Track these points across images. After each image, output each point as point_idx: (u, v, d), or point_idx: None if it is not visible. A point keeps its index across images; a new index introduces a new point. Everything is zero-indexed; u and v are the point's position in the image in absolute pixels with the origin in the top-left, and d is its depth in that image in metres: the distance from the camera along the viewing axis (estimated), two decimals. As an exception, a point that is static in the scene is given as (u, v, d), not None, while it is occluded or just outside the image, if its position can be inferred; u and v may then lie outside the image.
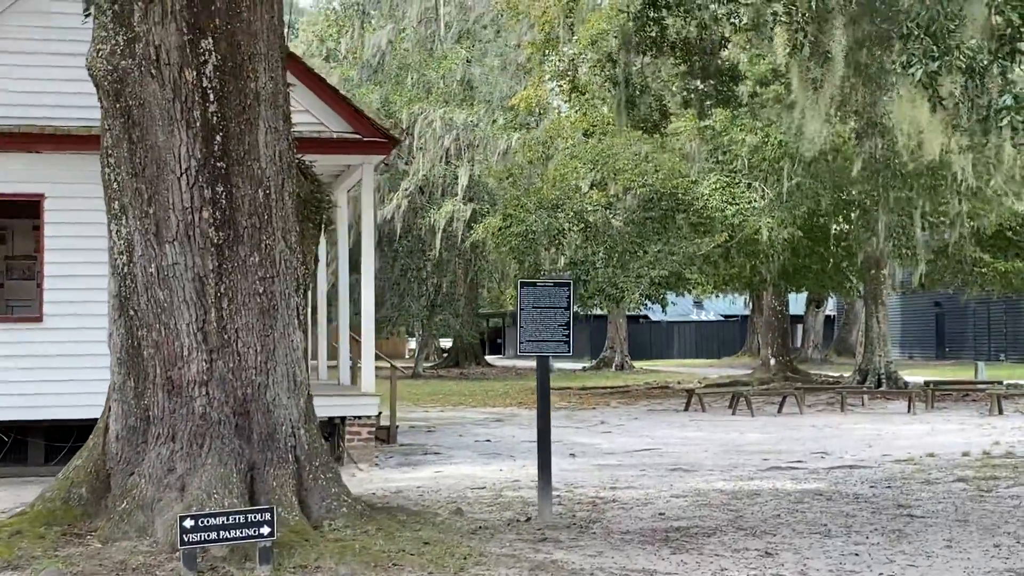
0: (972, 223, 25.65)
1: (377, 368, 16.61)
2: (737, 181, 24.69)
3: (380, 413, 18.91)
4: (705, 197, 24.51)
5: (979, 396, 26.68)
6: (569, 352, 9.89)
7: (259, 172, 8.79)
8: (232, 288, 8.67)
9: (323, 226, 9.75)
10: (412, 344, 63.42)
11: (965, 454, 16.29)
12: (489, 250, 28.97)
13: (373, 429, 15.37)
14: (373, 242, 15.49)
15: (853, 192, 25.45)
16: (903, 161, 21.27)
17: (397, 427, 18.98)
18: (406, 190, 36.27)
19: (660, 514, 10.86)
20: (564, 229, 23.78)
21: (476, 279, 44.50)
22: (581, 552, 8.96)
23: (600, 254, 23.83)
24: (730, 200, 24.28)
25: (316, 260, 9.23)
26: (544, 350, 9.88)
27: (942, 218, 26.31)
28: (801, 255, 28.71)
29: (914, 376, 33.43)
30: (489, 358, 66.70)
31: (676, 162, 23.88)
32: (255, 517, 7.76)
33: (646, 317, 65.77)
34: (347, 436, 15.14)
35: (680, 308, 68.28)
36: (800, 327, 58.18)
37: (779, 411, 24.44)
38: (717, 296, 39.26)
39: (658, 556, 8.88)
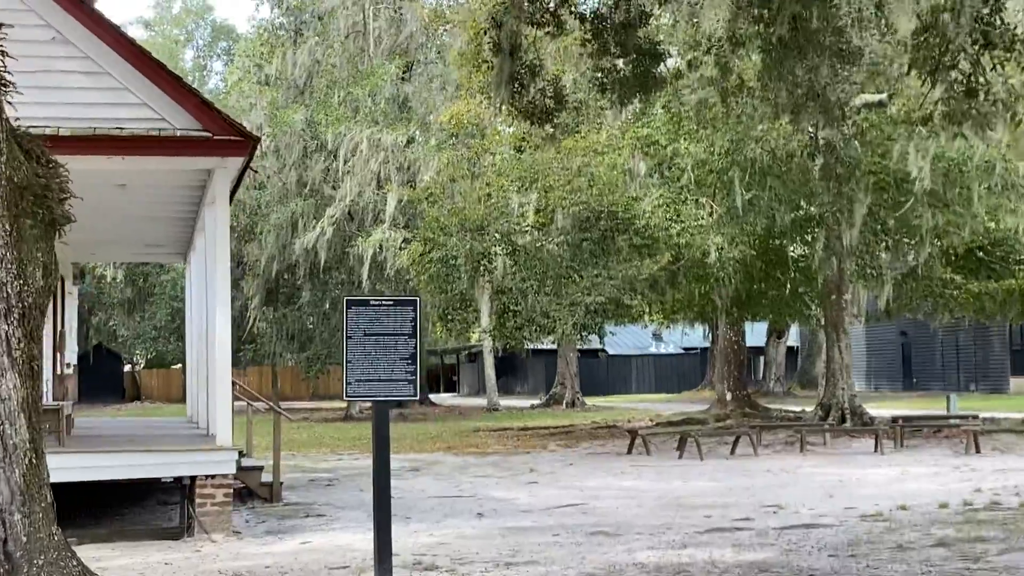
0: (942, 241, 23.29)
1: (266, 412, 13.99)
2: (683, 197, 22.20)
3: (262, 467, 16.25)
4: (647, 215, 22.01)
5: (952, 432, 24.20)
6: (414, 395, 7.28)
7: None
8: None
9: (56, 224, 7.09)
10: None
11: (943, 506, 13.76)
12: (412, 279, 26.37)
13: (231, 490, 12.63)
14: (227, 263, 12.80)
15: (812, 208, 23.01)
16: (868, 166, 18.87)
17: (282, 483, 16.22)
18: (332, 216, 33.58)
19: (550, 610, 8.20)
20: (490, 253, 21.17)
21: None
22: None
23: (531, 280, 21.23)
24: (675, 218, 21.77)
25: (51, 272, 6.55)
26: (380, 393, 7.24)
27: (907, 237, 23.92)
28: (756, 279, 26.22)
29: (881, 410, 30.94)
30: (440, 396, 63.98)
31: (614, 175, 21.36)
32: None
33: (603, 351, 63.26)
34: (198, 500, 12.40)
35: (638, 341, 65.80)
36: (762, 359, 55.79)
37: (732, 452, 21.86)
38: (665, 326, 36.70)
39: None
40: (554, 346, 47.09)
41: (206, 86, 58.50)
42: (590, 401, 45.78)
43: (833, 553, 10.52)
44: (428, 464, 21.28)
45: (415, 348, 7.28)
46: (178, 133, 12.40)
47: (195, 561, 10.84)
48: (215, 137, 12.44)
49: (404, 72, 37.69)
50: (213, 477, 12.44)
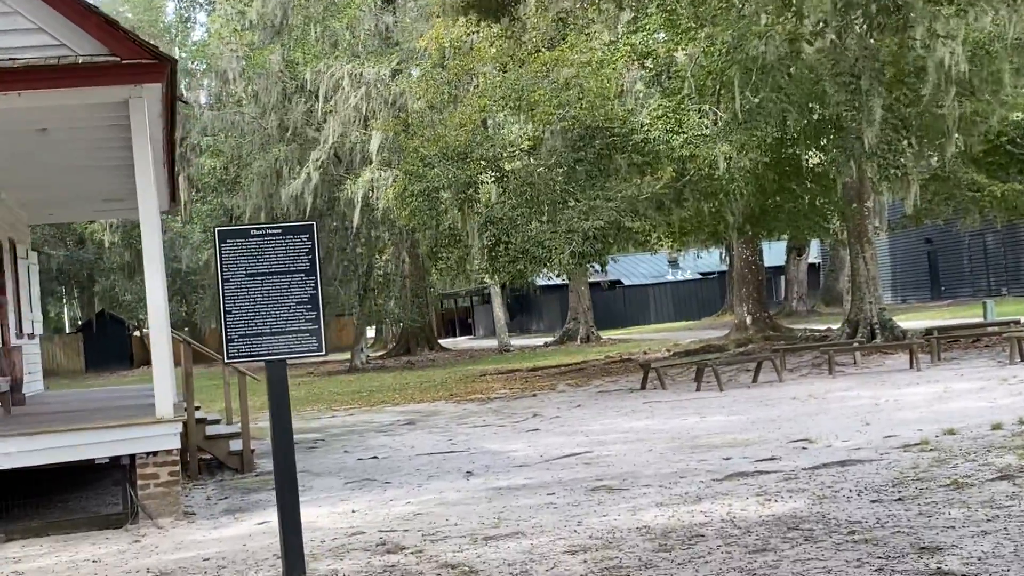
0: (969, 134, 21.27)
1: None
2: (684, 106, 20.26)
3: (232, 435, 14.63)
4: (646, 128, 20.09)
5: (993, 341, 22.40)
6: (319, 349, 5.54)
7: None
8: None
9: None
10: (371, 332, 59.15)
11: (996, 427, 12.02)
12: (396, 218, 24.53)
13: (177, 468, 10.98)
14: (155, 211, 11.02)
15: (825, 110, 21.03)
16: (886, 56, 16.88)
17: (253, 451, 14.59)
18: (317, 160, 31.70)
19: (524, 605, 6.51)
20: (475, 182, 19.33)
21: (421, 256, 39.98)
22: None
23: (522, 208, 19.40)
24: (676, 129, 19.84)
25: None
26: (272, 351, 5.51)
27: (931, 133, 21.91)
28: (769, 192, 24.29)
29: (911, 323, 29.13)
30: (455, 340, 62.50)
31: (605, 86, 19.41)
32: None
33: (618, 282, 61.56)
34: (140, 481, 10.77)
35: (654, 269, 64.02)
36: (782, 279, 53.91)
37: (754, 380, 20.15)
38: (676, 250, 34.79)
39: None
40: (565, 281, 45.33)
41: (190, 38, 56.38)
42: (607, 335, 44.08)
43: (876, 497, 8.82)
44: (425, 416, 19.65)
45: (315, 287, 5.53)
46: (80, 60, 10.61)
47: (128, 556, 9.23)
48: (124, 62, 10.63)
49: (384, 3, 35.61)
50: (155, 455, 10.80)
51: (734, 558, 7.11)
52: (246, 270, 5.48)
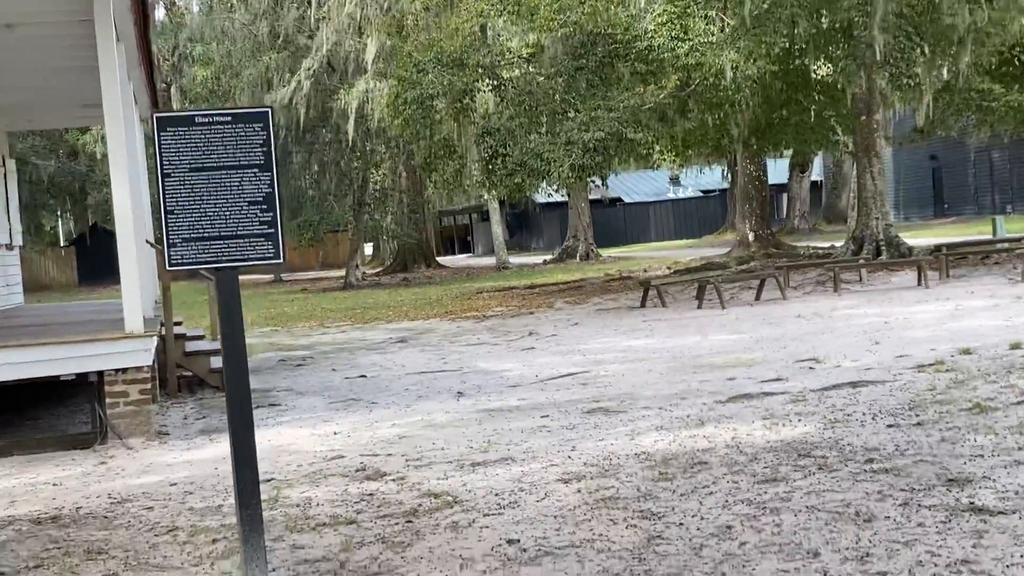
0: (979, 47, 20.34)
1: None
2: (690, 11, 19.33)
3: (212, 352, 14.01)
4: (650, 35, 19.20)
5: (1003, 258, 21.73)
6: (276, 256, 4.84)
7: None
8: None
9: None
10: (369, 249, 58.49)
11: (1015, 346, 11.42)
12: (389, 128, 23.63)
13: (148, 385, 10.35)
14: (118, 108, 10.26)
15: (835, 17, 20.09)
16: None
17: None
18: (309, 69, 30.68)
19: (510, 541, 5.89)
20: (472, 89, 18.47)
21: (418, 171, 39.12)
22: None
23: (520, 119, 18.57)
24: (682, 35, 18.95)
25: None
26: (222, 257, 4.82)
27: (943, 41, 20.98)
28: (776, 104, 23.42)
29: (917, 240, 28.42)
30: (454, 258, 61.85)
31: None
32: None
33: (619, 200, 60.75)
34: (109, 400, 10.15)
35: (655, 187, 63.18)
36: (784, 196, 53.09)
37: (757, 298, 19.51)
38: (678, 165, 33.92)
39: None
40: (565, 198, 44.51)
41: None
42: (607, 252, 43.42)
43: (892, 422, 8.21)
44: (418, 334, 19.04)
45: (270, 185, 4.82)
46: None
47: (92, 479, 8.65)
48: (82, -58, 9.81)
49: None
50: (124, 372, 10.16)
51: (741, 488, 6.50)
52: (190, 164, 4.77)
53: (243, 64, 32.70)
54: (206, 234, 4.78)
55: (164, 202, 4.73)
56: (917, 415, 8.38)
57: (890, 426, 8.05)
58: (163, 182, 4.73)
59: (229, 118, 4.80)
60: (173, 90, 41.53)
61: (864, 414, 8.60)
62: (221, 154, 4.80)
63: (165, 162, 4.72)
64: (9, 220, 18.85)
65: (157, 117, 4.70)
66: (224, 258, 4.79)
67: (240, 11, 33.53)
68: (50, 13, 11.61)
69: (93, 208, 58.62)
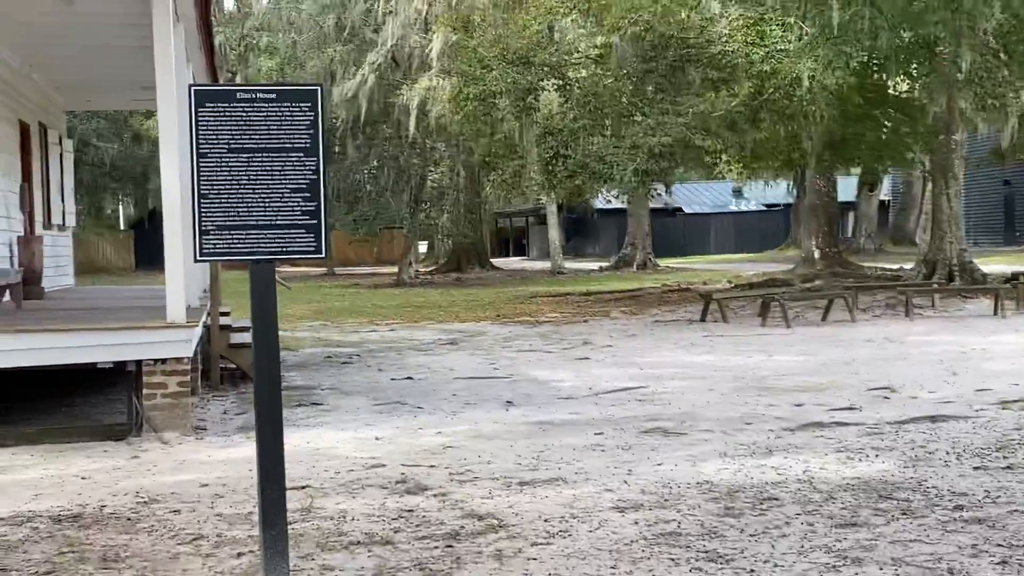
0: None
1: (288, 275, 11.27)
2: (768, 17, 18.66)
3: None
4: (724, 40, 18.55)
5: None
6: (318, 251, 4.33)
7: None
8: None
9: None
10: (423, 248, 58.13)
11: (1106, 387, 10.65)
12: (448, 123, 23.13)
13: (187, 378, 9.92)
14: (171, 88, 9.84)
15: (920, 31, 19.28)
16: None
17: (282, 362, 13.55)
18: (373, 63, 30.31)
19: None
20: (536, 88, 17.94)
21: (476, 170, 38.67)
22: None
23: (584, 120, 18.00)
24: (757, 41, 18.28)
25: None
26: (257, 248, 4.31)
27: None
28: (852, 119, 22.63)
29: (989, 266, 27.47)
30: (508, 260, 61.34)
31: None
32: None
33: (679, 209, 59.93)
34: (146, 391, 9.73)
35: (716, 198, 62.30)
36: (850, 215, 52.00)
37: (824, 318, 18.78)
38: (745, 177, 33.07)
39: None
40: (625, 205, 43.84)
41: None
42: (664, 263, 42.67)
43: (978, 463, 7.56)
44: (469, 336, 18.53)
45: (316, 172, 4.30)
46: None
47: (121, 474, 8.21)
48: (144, -83, 9.40)
49: None
50: (164, 362, 9.74)
51: (817, 532, 5.90)
52: (228, 144, 4.27)
53: (308, 55, 32.43)
54: (242, 222, 4.28)
55: (197, 185, 4.24)
56: (1006, 457, 7.73)
57: (977, 468, 7.40)
58: (198, 162, 4.24)
59: (274, 95, 4.30)
60: (238, 79, 41.39)
61: (947, 453, 7.96)
62: (264, 134, 4.30)
63: (201, 140, 4.23)
64: (63, 201, 18.60)
65: (195, 90, 4.21)
66: (260, 249, 4.28)
67: (308, 2, 33.30)
68: (109, -12, 11.26)
69: (154, 193, 58.75)
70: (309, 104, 4.32)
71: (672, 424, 9.52)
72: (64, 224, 18.77)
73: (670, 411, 10.26)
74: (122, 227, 68.04)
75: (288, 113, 4.32)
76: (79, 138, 44.19)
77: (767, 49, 18.13)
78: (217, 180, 4.27)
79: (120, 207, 72.11)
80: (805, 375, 12.52)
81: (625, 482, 7.30)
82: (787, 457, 7.96)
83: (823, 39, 17.62)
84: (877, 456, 7.92)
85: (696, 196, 61.08)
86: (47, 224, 17.32)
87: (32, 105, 16.31)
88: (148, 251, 55.10)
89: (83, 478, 8.11)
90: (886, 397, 10.73)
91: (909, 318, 18.76)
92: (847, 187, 49.21)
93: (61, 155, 18.67)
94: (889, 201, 55.06)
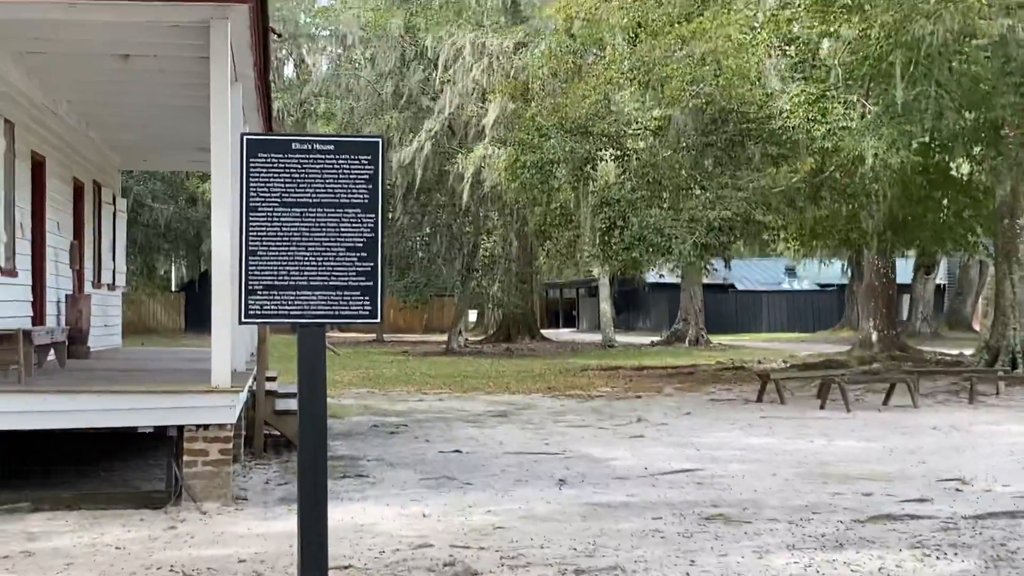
0: None
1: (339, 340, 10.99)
2: (830, 94, 18.35)
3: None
4: (785, 115, 18.23)
5: None
6: (373, 315, 3.98)
7: None
8: None
9: None
10: (473, 316, 57.84)
11: None
12: (503, 192, 22.91)
13: (229, 445, 9.58)
14: (226, 147, 9.62)
15: (988, 112, 18.87)
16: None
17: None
18: (430, 130, 30.27)
19: None
20: (594, 158, 17.66)
21: (529, 240, 38.41)
22: None
23: (642, 191, 17.68)
24: (819, 118, 17.94)
25: None
26: (308, 312, 3.97)
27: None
28: (914, 199, 22.16)
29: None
30: (558, 331, 60.89)
31: (744, 64, 17.55)
32: None
33: (732, 286, 59.29)
34: (187, 457, 9.39)
35: (769, 276, 61.63)
36: (905, 297, 51.14)
37: (885, 403, 18.16)
38: (802, 255, 32.52)
39: None
40: (677, 279, 43.38)
41: (316, 5, 55.49)
42: (716, 339, 42.05)
43: (1069, 567, 7.00)
44: (519, 409, 18.09)
45: (374, 230, 3.96)
46: (155, -30, 9.26)
47: (157, 545, 7.85)
48: (205, -25, 9.26)
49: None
50: (206, 428, 9.41)
51: (902, 640, 5.40)
52: (280, 197, 3.95)
53: (365, 122, 32.50)
54: (292, 282, 3.95)
55: (246, 240, 3.91)
56: (1098, 561, 7.17)
57: (1068, 572, 6.86)
58: (247, 216, 3.93)
59: (332, 146, 3.99)
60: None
61: (1032, 553, 7.42)
62: (319, 188, 3.98)
63: (252, 193, 3.92)
64: (114, 260, 18.52)
65: (247, 139, 3.90)
66: (311, 312, 3.94)
67: (367, 70, 33.45)
68: (167, 46, 11.15)
69: (206, 256, 59.11)
70: (369, 157, 4.00)
71: (735, 511, 9.03)
72: (114, 283, 18.66)
73: (732, 496, 9.76)
74: (173, 288, 68.46)
75: (347, 166, 4.00)
76: (135, 198, 44.56)
77: (829, 126, 17.77)
78: (267, 236, 3.95)
79: (172, 268, 72.66)
80: (870, 462, 11.96)
81: (688, 574, 6.83)
82: (860, 552, 7.45)
83: (887, 117, 17.23)
84: (956, 555, 7.39)
85: (749, 272, 60.46)
86: (97, 283, 17.21)
87: (87, 163, 16.27)
88: (198, 313, 55.26)
89: (117, 548, 7.77)
90: (958, 489, 10.17)
91: (973, 405, 18.11)
92: (903, 269, 48.49)
93: (114, 214, 18.63)
94: (944, 284, 54.17)
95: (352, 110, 33.56)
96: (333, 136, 4.05)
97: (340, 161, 4.00)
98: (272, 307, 3.94)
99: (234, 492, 9.78)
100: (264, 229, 3.96)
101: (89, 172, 16.49)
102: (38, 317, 13.41)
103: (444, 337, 39.25)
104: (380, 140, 4.09)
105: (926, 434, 14.52)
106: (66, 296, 14.45)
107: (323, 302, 3.97)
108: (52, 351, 12.29)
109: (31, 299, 13.19)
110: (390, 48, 32.37)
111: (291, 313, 3.96)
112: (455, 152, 31.09)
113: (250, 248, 3.92)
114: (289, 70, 52.68)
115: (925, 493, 9.96)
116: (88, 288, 16.15)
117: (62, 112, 14.35)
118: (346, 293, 3.98)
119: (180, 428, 9.45)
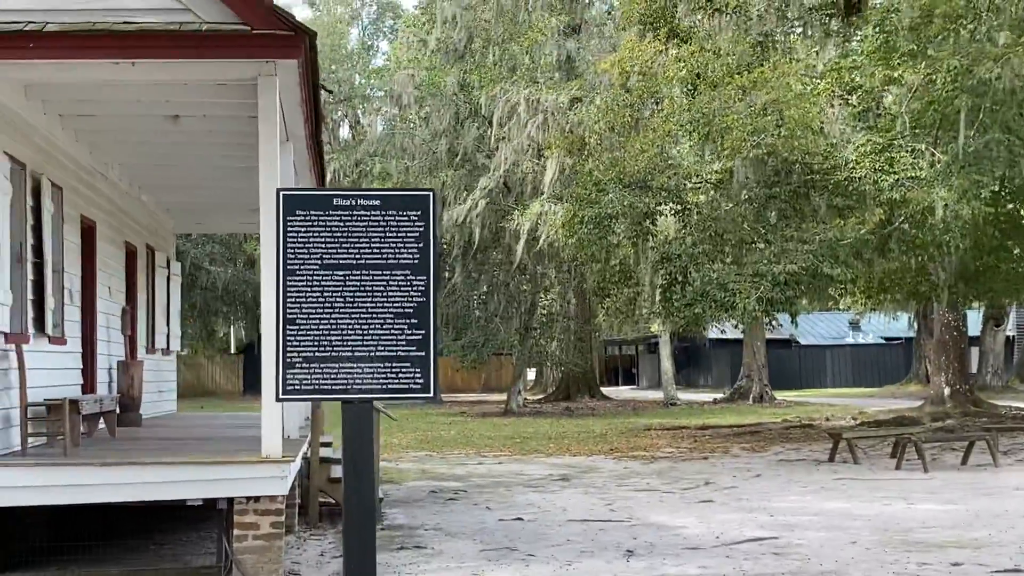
0: None
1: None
2: (897, 144, 17.80)
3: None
4: (850, 166, 17.70)
5: None
6: (425, 389, 3.53)
7: None
8: None
9: None
10: (532, 375, 57.27)
11: None
12: (560, 248, 22.50)
13: (281, 518, 9.15)
14: (273, 207, 9.30)
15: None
16: None
17: (381, 499, 12.75)
18: (485, 188, 30.02)
19: None
20: (654, 212, 17.23)
21: (587, 297, 37.91)
22: None
23: (704, 245, 17.20)
24: (886, 168, 17.38)
25: None
26: (352, 386, 3.53)
27: None
28: (985, 250, 21.43)
29: None
30: (618, 389, 60.16)
31: (806, 114, 17.08)
32: None
33: (796, 341, 58.27)
34: (237, 531, 8.98)
35: (834, 330, 60.57)
36: (975, 350, 49.85)
37: (964, 462, 17.38)
38: (869, 308, 31.72)
39: None
40: (739, 334, 42.58)
41: (371, 66, 55.92)
42: (780, 395, 41.13)
43: None
44: (581, 472, 17.53)
45: (425, 294, 3.54)
46: (204, 27, 8.99)
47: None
48: (254, 32, 8.97)
49: (570, 32, 33.85)
50: (256, 500, 9.00)
51: None
52: (321, 259, 3.56)
53: (420, 180, 32.33)
54: (335, 353, 3.53)
55: (283, 308, 3.52)
56: None
57: None
58: (284, 281, 3.54)
59: (378, 201, 3.59)
60: (350, 205, 41.59)
61: None
62: (364, 248, 3.59)
63: (289, 254, 3.55)
64: (168, 324, 18.29)
65: (284, 195, 3.52)
66: (356, 387, 3.52)
67: (421, 129, 33.37)
68: (217, 106, 10.91)
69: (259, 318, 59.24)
70: (419, 212, 3.60)
71: (816, 586, 8.44)
72: (168, 348, 18.42)
73: (812, 568, 9.16)
74: (232, 350, 68.65)
75: (395, 223, 3.60)
76: (192, 261, 44.71)
77: (896, 176, 17.20)
78: (307, 302, 3.55)
79: (231, 331, 72.90)
80: (956, 528, 11.28)
81: (772, 660, 6.27)
82: (959, 633, 6.84)
83: (956, 167, 16.65)
84: (1067, 636, 6.75)
85: (812, 327, 59.42)
86: (150, 348, 16.97)
87: (139, 227, 16.10)
88: (256, 375, 55.09)
89: (162, 630, 7.35)
90: (1056, 558, 9.49)
91: (1059, 464, 17.30)
92: (972, 321, 47.32)
93: (168, 278, 18.43)
94: (1014, 336, 52.78)
95: (407, 169, 33.45)
96: (379, 190, 3.65)
97: (387, 217, 3.60)
98: (312, 382, 3.53)
99: (287, 567, 9.38)
100: (303, 294, 3.56)
101: (142, 236, 16.30)
102: (88, 385, 13.14)
103: (503, 396, 38.75)
104: (432, 193, 3.69)
105: (1011, 496, 13.77)
106: (118, 363, 14.18)
107: (369, 375, 3.55)
108: (102, 420, 11.99)
109: (81, 367, 12.91)
110: (444, 106, 32.30)
111: (334, 388, 3.54)
112: (511, 209, 30.78)
113: (288, 316, 3.53)
114: (345, 131, 52.93)
115: (1019, 562, 9.30)
116: (141, 353, 15.89)
117: (113, 175, 14.18)
118: (395, 365, 3.56)
119: (230, 500, 9.05)
